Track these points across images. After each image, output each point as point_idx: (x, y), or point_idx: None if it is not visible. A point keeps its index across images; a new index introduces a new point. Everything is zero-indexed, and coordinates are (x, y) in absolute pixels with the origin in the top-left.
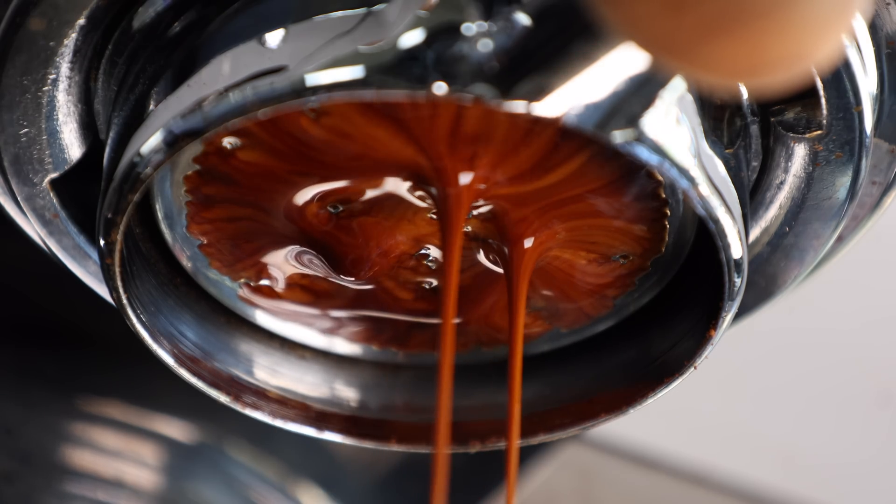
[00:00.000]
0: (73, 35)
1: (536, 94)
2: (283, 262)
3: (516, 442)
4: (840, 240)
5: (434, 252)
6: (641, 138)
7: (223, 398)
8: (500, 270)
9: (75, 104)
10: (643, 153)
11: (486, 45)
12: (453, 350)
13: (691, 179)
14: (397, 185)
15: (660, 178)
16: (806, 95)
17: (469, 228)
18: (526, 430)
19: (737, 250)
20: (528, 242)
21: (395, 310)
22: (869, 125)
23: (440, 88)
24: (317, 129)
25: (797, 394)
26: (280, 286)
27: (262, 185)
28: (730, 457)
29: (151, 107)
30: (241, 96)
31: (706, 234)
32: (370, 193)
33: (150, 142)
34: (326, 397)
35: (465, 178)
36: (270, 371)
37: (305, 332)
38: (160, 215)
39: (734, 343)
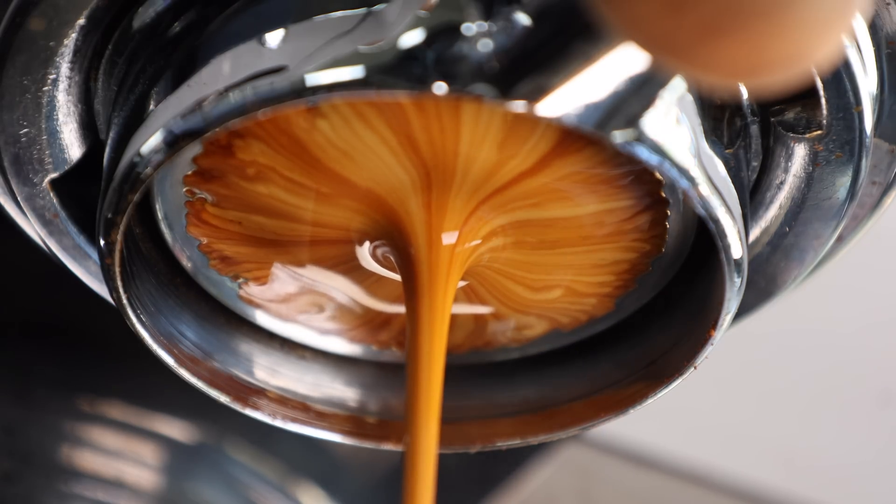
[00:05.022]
0: (73, 35)
1: (536, 94)
2: (283, 262)
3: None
4: (840, 240)
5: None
6: (641, 138)
7: (223, 398)
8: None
9: (75, 104)
10: (643, 153)
11: (486, 45)
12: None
13: (691, 179)
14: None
15: (660, 178)
16: (806, 95)
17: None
18: (526, 430)
19: (737, 250)
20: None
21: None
22: (869, 125)
23: (440, 88)
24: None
25: (798, 394)
26: (280, 285)
27: (262, 185)
28: (730, 457)
29: (151, 107)
30: (241, 96)
31: (706, 234)
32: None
33: (150, 142)
34: (326, 397)
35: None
36: (270, 371)
37: (305, 332)
38: (160, 215)
39: (734, 343)
